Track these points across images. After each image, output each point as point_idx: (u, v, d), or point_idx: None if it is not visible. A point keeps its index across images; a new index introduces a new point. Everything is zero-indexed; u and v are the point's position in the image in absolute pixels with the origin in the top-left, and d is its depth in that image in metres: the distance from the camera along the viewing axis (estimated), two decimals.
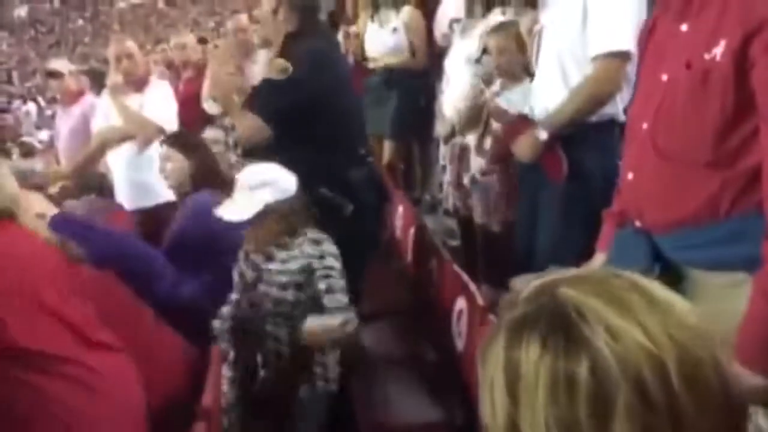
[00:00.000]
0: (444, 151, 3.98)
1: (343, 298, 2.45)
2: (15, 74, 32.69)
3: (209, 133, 3.96)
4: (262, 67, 4.07)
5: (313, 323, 2.42)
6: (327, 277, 2.44)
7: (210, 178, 3.07)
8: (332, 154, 2.86)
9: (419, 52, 4.66)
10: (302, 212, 2.51)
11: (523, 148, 2.57)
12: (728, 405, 0.74)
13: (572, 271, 0.81)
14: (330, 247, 2.49)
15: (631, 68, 2.38)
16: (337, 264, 2.47)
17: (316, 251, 2.48)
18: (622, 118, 2.51)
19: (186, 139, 3.26)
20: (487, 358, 0.78)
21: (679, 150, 1.49)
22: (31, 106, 18.13)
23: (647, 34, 1.66)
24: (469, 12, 3.81)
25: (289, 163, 2.53)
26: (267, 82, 2.91)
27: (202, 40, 6.20)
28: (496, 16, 3.54)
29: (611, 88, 2.40)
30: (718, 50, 1.39)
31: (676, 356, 0.72)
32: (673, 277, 1.54)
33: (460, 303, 2.73)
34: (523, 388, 0.74)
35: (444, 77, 4.08)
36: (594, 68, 2.40)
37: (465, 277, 2.81)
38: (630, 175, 1.63)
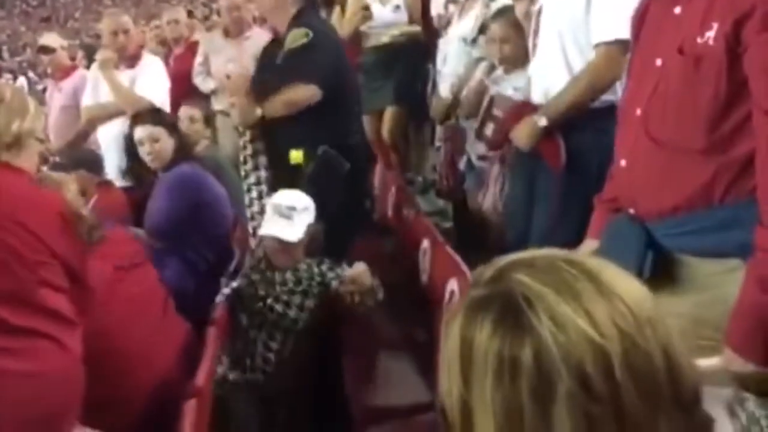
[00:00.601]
0: (439, 132, 3.96)
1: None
2: (5, 48, 32.36)
3: (185, 111, 3.89)
4: (256, 44, 4.04)
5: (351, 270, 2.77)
6: (337, 276, 2.79)
7: (188, 153, 3.20)
8: (337, 119, 3.13)
9: (419, 28, 4.60)
10: (318, 237, 2.82)
11: (521, 134, 2.55)
12: (677, 399, 0.74)
13: (528, 254, 0.82)
14: (328, 264, 2.83)
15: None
16: (340, 269, 2.82)
17: (323, 268, 2.82)
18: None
19: (167, 117, 3.31)
20: (447, 336, 0.80)
21: (673, 136, 1.48)
22: (21, 81, 17.98)
23: (641, 17, 1.63)
24: None
25: (299, 124, 2.86)
26: (297, 51, 3.06)
27: (189, 14, 6.13)
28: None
29: (612, 76, 2.38)
30: (711, 34, 1.37)
31: (621, 346, 0.72)
32: (667, 264, 1.54)
33: (452, 284, 2.73)
34: (474, 368, 0.75)
35: (439, 57, 4.05)
36: (596, 55, 2.38)
37: (457, 258, 2.81)
38: (623, 162, 1.62)
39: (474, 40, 3.45)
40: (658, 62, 1.51)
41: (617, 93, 2.46)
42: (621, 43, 2.33)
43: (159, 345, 2.42)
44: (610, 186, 1.76)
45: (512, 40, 3.11)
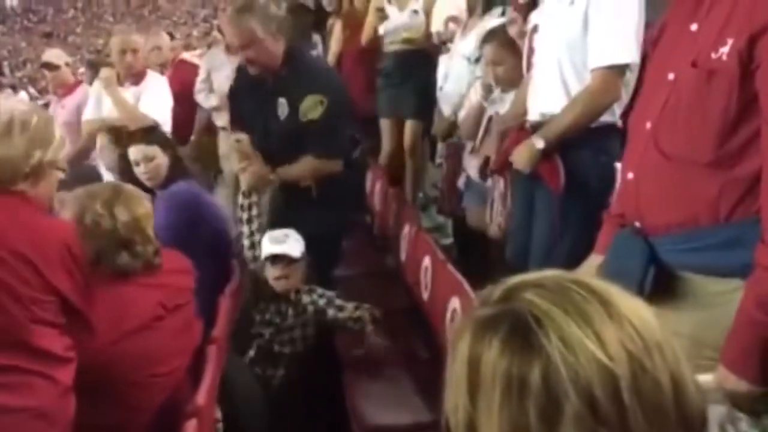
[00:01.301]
0: (440, 150, 3.96)
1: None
2: (6, 64, 32.48)
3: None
4: None
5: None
6: (331, 303, 3.03)
7: (181, 169, 3.17)
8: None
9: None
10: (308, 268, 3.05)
11: (520, 157, 2.55)
12: (684, 422, 0.75)
13: (537, 275, 0.82)
14: (320, 290, 3.07)
15: (630, 76, 2.41)
16: (330, 293, 3.07)
17: (315, 296, 3.05)
18: (620, 123, 2.52)
19: (159, 134, 3.27)
20: (455, 355, 0.80)
21: (682, 149, 1.48)
22: (22, 96, 18.02)
23: (658, 35, 1.64)
24: (470, 9, 3.78)
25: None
26: (317, 123, 3.05)
27: (170, 36, 6.12)
28: (493, 18, 3.51)
29: (609, 99, 2.40)
30: (725, 49, 1.38)
31: (629, 370, 0.73)
32: (669, 281, 1.54)
33: (454, 303, 2.72)
34: (482, 387, 0.76)
35: (439, 74, 4.06)
36: (593, 79, 2.40)
37: (459, 277, 2.81)
38: (630, 175, 1.62)
39: (477, 59, 3.46)
40: (671, 76, 1.51)
41: (615, 114, 2.50)
42: (618, 68, 2.36)
43: (179, 371, 2.39)
44: (618, 201, 1.76)
45: (506, 61, 3.12)
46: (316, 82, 3.07)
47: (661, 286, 1.53)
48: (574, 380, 0.72)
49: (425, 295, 3.29)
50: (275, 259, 2.96)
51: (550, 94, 2.54)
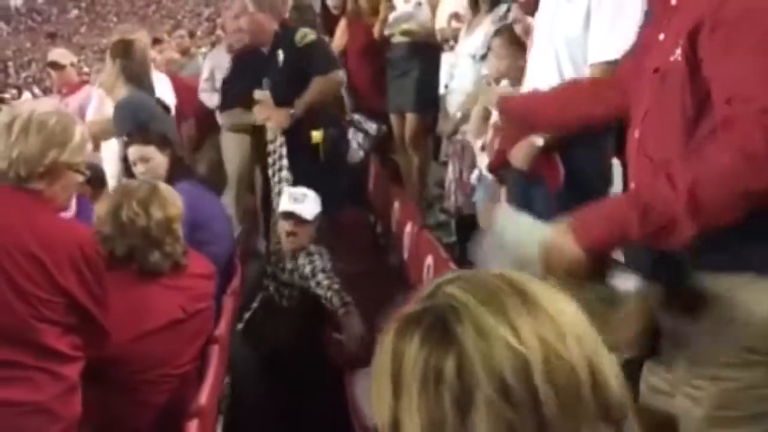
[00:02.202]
0: (446, 148, 3.95)
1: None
2: (11, 64, 32.57)
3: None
4: None
5: None
6: (314, 275, 3.17)
7: (185, 168, 3.23)
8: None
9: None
10: (323, 229, 3.32)
11: (519, 155, 2.53)
12: (603, 412, 0.76)
13: (467, 271, 0.85)
14: (318, 260, 3.21)
15: None
16: (321, 264, 3.20)
17: (307, 261, 3.22)
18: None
19: (156, 135, 3.27)
20: (380, 352, 0.81)
21: (658, 152, 1.51)
22: (26, 96, 18.07)
23: (640, 47, 1.68)
24: (474, 7, 3.76)
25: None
26: (310, 46, 3.62)
27: (157, 41, 6.08)
28: (498, 16, 3.50)
29: None
30: (678, 51, 1.42)
31: (542, 357, 0.74)
32: (679, 280, 1.53)
33: None
34: (403, 381, 0.77)
35: (442, 72, 4.05)
36: (592, 74, 2.40)
37: None
38: (632, 185, 1.64)
39: (483, 57, 3.45)
40: (646, 85, 1.55)
41: None
42: (614, 64, 2.34)
43: (189, 372, 2.39)
44: None
45: (510, 56, 3.11)
46: (302, 26, 3.75)
47: (671, 286, 1.53)
48: (486, 367, 0.73)
49: None
50: (287, 215, 3.21)
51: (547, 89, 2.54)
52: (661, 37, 1.53)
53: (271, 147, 3.63)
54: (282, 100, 3.62)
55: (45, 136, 1.90)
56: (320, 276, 3.16)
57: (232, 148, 4.60)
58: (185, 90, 4.78)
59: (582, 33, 2.42)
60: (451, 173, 3.86)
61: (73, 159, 1.95)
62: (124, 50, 3.65)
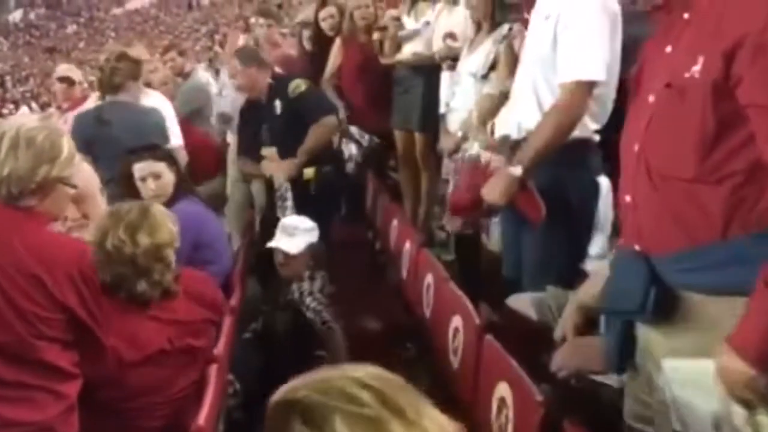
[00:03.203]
0: (447, 166, 3.95)
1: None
2: (9, 78, 32.59)
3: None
4: None
5: None
6: (309, 307, 3.29)
7: (187, 187, 3.19)
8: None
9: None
10: (320, 255, 3.44)
11: (495, 190, 2.46)
12: None
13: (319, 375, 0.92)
14: (315, 291, 3.33)
15: (606, 92, 2.43)
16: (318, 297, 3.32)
17: (304, 290, 3.34)
18: (596, 138, 2.54)
19: (165, 151, 3.27)
20: None
21: (666, 168, 1.50)
22: (24, 111, 18.07)
23: (642, 60, 1.66)
24: (478, 26, 3.77)
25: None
26: (304, 95, 4.03)
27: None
28: (502, 33, 3.50)
29: (576, 114, 2.40)
30: (697, 68, 1.41)
31: None
32: (671, 301, 1.53)
33: (456, 321, 2.71)
34: None
35: (441, 91, 4.05)
36: (560, 94, 2.42)
37: (462, 295, 2.79)
38: (627, 198, 1.62)
39: (484, 76, 3.46)
40: (651, 98, 1.54)
41: (588, 130, 2.50)
42: (584, 84, 2.37)
43: (183, 398, 2.36)
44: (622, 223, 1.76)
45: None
46: (297, 77, 4.12)
47: (663, 306, 1.52)
48: None
49: (427, 313, 3.27)
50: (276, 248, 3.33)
51: (525, 109, 2.56)
52: (668, 49, 1.51)
53: (277, 194, 3.98)
54: (282, 144, 4.02)
55: (34, 152, 1.89)
56: (308, 300, 3.29)
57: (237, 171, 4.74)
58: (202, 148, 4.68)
59: (551, 53, 2.43)
60: (451, 190, 3.85)
61: (63, 173, 1.94)
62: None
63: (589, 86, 2.38)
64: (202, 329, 2.41)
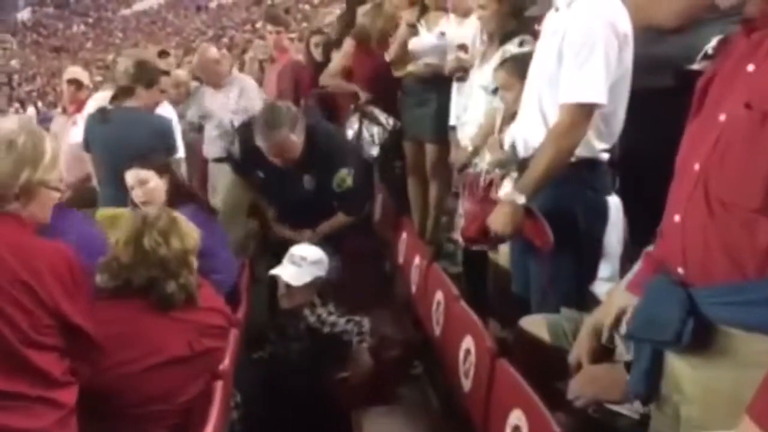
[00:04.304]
0: (457, 180, 3.92)
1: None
2: (16, 78, 32.67)
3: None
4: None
5: None
6: (324, 322, 3.18)
7: (182, 193, 3.19)
8: None
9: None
10: (328, 287, 3.27)
11: (499, 218, 2.44)
12: None
13: None
14: (321, 311, 3.22)
15: (607, 110, 2.40)
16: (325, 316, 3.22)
17: (313, 315, 3.22)
18: (603, 157, 2.50)
19: (155, 159, 3.27)
20: None
21: (729, 194, 1.41)
22: (30, 111, 18.10)
23: (706, 82, 1.58)
24: (489, 39, 3.74)
25: None
26: (345, 193, 3.86)
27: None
28: (513, 47, 3.47)
29: (576, 135, 2.37)
30: None
31: None
32: (709, 334, 1.47)
33: (467, 342, 2.66)
34: None
35: (452, 105, 4.02)
36: (560, 115, 2.38)
37: (473, 315, 2.74)
38: (677, 217, 1.53)
39: (495, 90, 3.42)
40: (722, 117, 1.44)
41: (594, 150, 2.46)
42: (585, 106, 2.33)
43: (190, 409, 2.35)
44: (662, 243, 1.68)
45: (514, 88, 3.05)
46: (339, 159, 3.81)
47: (699, 338, 1.47)
48: None
49: (437, 331, 3.22)
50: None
51: (532, 127, 2.52)
52: (750, 68, 1.42)
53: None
54: (301, 214, 3.92)
55: (16, 156, 1.85)
56: (331, 318, 3.18)
57: (221, 176, 4.72)
58: None
59: (556, 69, 2.40)
60: (461, 205, 3.82)
61: (46, 176, 1.91)
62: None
63: (589, 109, 2.35)
64: (218, 335, 2.47)
